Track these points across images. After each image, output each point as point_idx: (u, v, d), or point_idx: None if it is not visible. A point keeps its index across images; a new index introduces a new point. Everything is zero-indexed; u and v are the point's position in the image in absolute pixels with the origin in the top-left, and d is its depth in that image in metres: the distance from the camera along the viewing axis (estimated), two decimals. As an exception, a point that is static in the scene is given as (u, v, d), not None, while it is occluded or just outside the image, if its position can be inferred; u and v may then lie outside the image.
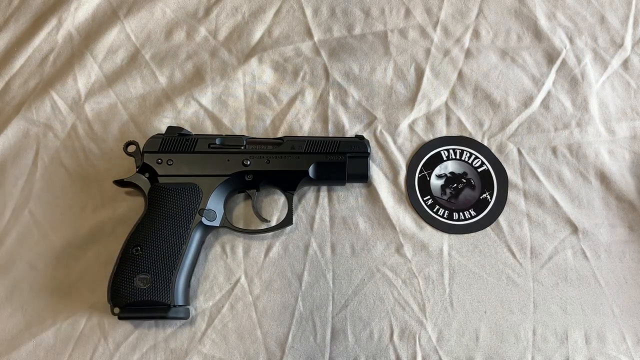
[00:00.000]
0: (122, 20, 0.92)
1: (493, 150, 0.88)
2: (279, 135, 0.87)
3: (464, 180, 0.87)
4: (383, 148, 0.88)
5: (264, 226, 0.84)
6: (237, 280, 0.82)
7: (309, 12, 0.94)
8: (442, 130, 0.89)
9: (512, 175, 0.87)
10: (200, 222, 0.78)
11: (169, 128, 0.81)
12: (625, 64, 0.92)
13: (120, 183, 0.79)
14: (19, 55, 0.89)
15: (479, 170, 0.88)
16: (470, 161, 0.88)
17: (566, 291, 0.82)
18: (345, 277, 0.82)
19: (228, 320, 0.80)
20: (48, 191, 0.84)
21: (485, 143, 0.89)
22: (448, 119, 0.90)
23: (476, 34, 0.93)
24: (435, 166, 0.88)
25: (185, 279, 0.77)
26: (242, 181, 0.81)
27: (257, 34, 0.93)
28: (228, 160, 0.80)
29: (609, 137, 0.89)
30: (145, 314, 0.76)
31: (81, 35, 0.91)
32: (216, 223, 0.79)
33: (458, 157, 0.88)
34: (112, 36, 0.91)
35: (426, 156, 0.88)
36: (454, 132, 0.89)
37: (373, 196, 0.85)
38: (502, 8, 0.94)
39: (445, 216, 0.85)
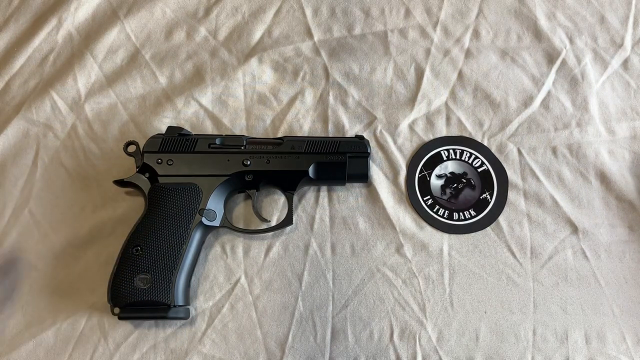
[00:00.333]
0: (122, 20, 0.92)
1: (493, 150, 0.88)
2: (279, 135, 0.87)
3: (464, 180, 0.87)
4: (383, 148, 0.88)
5: (264, 226, 0.84)
6: (237, 280, 0.82)
7: (309, 12, 0.94)
8: (442, 130, 0.89)
9: (512, 175, 0.87)
10: (200, 222, 0.78)
11: (169, 128, 0.81)
12: (625, 64, 0.92)
13: (120, 183, 0.79)
14: (19, 55, 0.89)
15: (479, 170, 0.88)
16: (470, 161, 0.88)
17: (566, 291, 0.82)
18: (345, 277, 0.82)
19: (228, 320, 0.80)
20: (48, 191, 0.84)
21: (485, 143, 0.89)
22: (448, 119, 0.89)
23: (476, 34, 0.93)
24: (435, 166, 0.88)
25: (185, 279, 0.77)
26: (242, 181, 0.81)
27: (257, 34, 0.93)
28: (228, 160, 0.80)
29: (609, 137, 0.89)
30: (145, 314, 0.76)
31: (81, 35, 0.91)
32: (216, 223, 0.79)
33: (458, 157, 0.88)
34: (112, 36, 0.91)
35: (426, 156, 0.88)
36: (454, 132, 0.89)
37: (373, 196, 0.85)
38: (502, 8, 0.94)
39: (445, 216, 0.85)
